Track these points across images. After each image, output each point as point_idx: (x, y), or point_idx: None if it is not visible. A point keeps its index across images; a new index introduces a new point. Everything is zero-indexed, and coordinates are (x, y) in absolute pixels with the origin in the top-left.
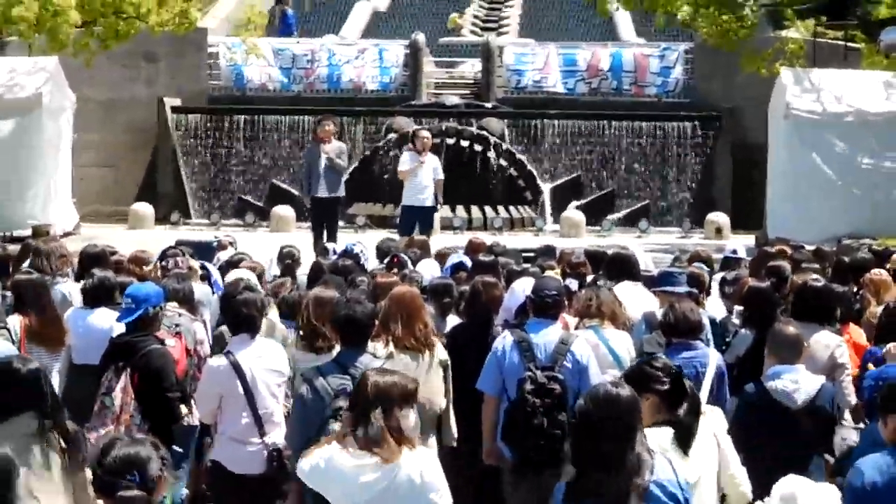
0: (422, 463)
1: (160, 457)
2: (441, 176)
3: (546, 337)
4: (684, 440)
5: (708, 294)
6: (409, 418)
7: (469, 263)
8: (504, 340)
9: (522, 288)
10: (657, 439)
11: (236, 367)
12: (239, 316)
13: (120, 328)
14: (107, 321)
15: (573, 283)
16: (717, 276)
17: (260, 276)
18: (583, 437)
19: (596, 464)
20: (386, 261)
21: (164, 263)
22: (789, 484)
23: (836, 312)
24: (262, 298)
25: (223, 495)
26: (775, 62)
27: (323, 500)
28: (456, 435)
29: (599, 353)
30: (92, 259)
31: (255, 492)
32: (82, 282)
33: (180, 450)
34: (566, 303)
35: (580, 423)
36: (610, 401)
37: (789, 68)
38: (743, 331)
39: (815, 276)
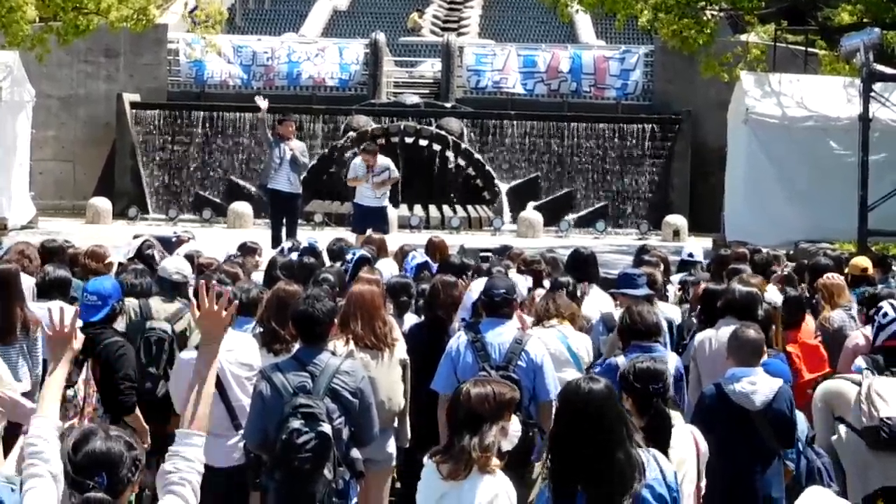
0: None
1: (133, 458)
2: (396, 174)
3: (500, 336)
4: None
5: (665, 297)
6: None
7: (431, 262)
8: (458, 340)
9: (479, 288)
10: None
11: None
12: None
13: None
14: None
15: (528, 280)
16: (675, 278)
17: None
18: (562, 437)
19: (581, 465)
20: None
21: (148, 252)
22: (814, 497)
23: (756, 315)
24: (234, 291)
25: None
26: (736, 66)
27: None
28: (409, 435)
29: (558, 353)
30: (50, 254)
31: (232, 484)
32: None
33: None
34: (518, 302)
35: (558, 424)
36: (583, 396)
37: (750, 72)
38: (700, 334)
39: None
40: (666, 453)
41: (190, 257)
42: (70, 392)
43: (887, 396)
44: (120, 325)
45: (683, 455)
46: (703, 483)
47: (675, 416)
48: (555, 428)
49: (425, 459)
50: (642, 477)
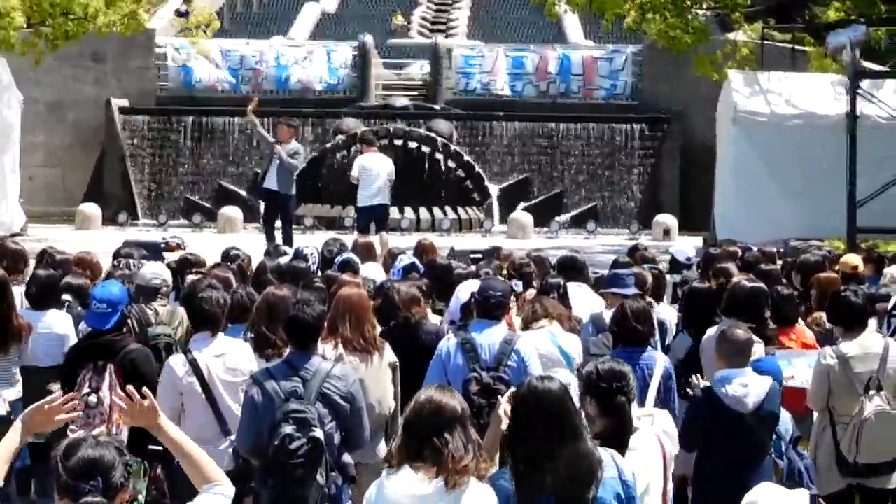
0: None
1: (124, 463)
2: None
3: (490, 337)
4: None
5: (658, 298)
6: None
7: (419, 264)
8: (448, 342)
9: (467, 290)
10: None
11: (193, 365)
12: (200, 313)
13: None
14: (59, 324)
15: (518, 285)
16: (670, 279)
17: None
18: (517, 432)
19: (538, 459)
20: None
21: (115, 263)
22: (765, 491)
23: (764, 312)
24: (224, 296)
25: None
26: (725, 65)
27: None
28: None
29: (550, 354)
30: (57, 265)
31: None
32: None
33: (159, 448)
34: (511, 304)
35: (514, 419)
36: (537, 394)
37: (738, 71)
38: (682, 333)
39: (748, 275)
40: (623, 452)
41: (184, 261)
42: (93, 399)
43: (878, 439)
44: None
45: (648, 461)
46: (670, 486)
47: (664, 415)
48: (511, 426)
49: (388, 479)
50: (601, 472)
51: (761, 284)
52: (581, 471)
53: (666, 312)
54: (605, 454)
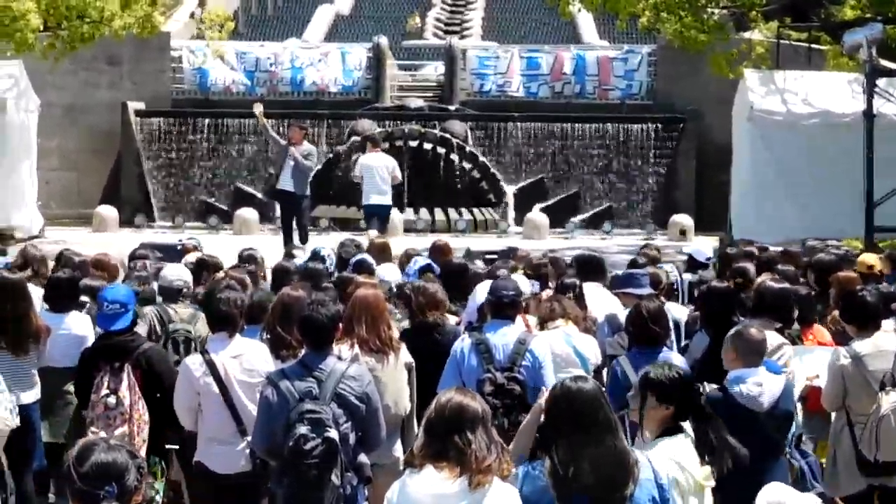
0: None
1: (137, 466)
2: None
3: (504, 337)
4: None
5: (668, 296)
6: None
7: (434, 265)
8: (462, 343)
9: (484, 291)
10: (673, 450)
11: (210, 366)
12: (218, 314)
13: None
14: (78, 325)
15: (535, 285)
16: (685, 278)
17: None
18: (552, 432)
19: (572, 459)
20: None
21: (132, 265)
22: (775, 492)
23: (792, 313)
24: (242, 297)
25: (206, 496)
26: (741, 64)
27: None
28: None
29: (565, 354)
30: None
31: (239, 491)
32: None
33: (177, 447)
34: (524, 304)
35: (547, 420)
36: (570, 395)
37: (754, 70)
38: (700, 333)
39: (775, 275)
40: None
41: (201, 263)
42: (112, 400)
43: None
44: (141, 330)
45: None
46: None
47: None
48: (545, 428)
49: (410, 479)
50: (637, 472)
51: (787, 285)
52: (616, 470)
53: (678, 312)
54: (641, 455)
